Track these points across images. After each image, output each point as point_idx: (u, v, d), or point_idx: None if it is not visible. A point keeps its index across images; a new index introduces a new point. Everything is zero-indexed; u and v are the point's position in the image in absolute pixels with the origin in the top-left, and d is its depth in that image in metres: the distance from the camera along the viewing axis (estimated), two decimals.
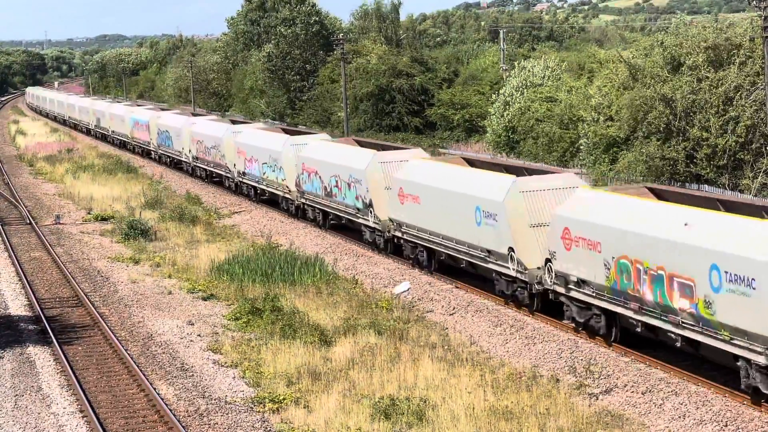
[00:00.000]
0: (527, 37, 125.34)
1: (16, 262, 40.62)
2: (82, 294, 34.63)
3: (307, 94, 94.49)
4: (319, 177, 44.44)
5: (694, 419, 22.03)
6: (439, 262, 36.04)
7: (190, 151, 66.66)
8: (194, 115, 75.58)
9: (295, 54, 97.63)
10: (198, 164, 65.56)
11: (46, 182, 69.32)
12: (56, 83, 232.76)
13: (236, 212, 53.09)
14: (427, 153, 43.31)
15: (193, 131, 65.54)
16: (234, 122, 65.19)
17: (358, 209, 40.61)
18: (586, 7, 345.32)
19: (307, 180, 46.04)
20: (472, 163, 37.17)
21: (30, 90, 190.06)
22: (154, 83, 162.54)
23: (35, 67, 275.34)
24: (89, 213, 53.19)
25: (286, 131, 55.29)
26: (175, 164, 72.97)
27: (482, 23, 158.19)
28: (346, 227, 44.44)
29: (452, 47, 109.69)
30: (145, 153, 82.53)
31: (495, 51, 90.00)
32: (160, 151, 76.21)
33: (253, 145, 53.38)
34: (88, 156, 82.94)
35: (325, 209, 44.91)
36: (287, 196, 49.00)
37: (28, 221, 51.30)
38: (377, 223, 39.28)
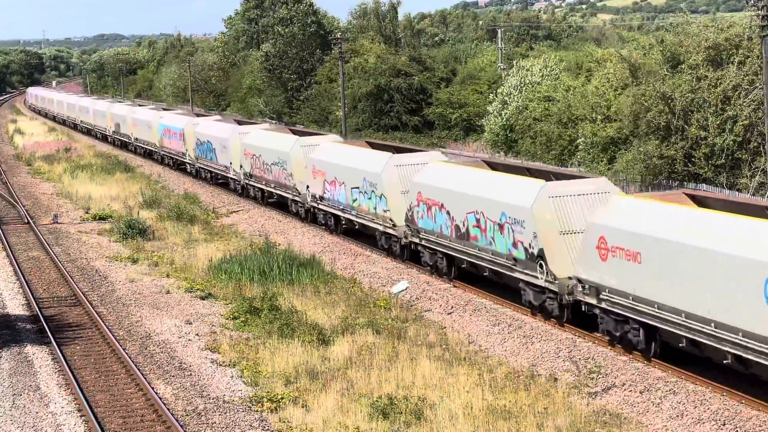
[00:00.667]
0: (525, 36, 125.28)
1: (14, 262, 40.61)
2: (80, 293, 34.62)
3: (305, 93, 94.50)
4: (447, 212, 33.82)
5: (692, 418, 22.04)
6: (662, 344, 25.37)
7: (241, 166, 55.59)
8: (239, 123, 63.40)
9: (292, 53, 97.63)
10: (252, 183, 54.33)
11: (44, 182, 69.31)
12: (54, 82, 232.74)
13: (234, 211, 53.06)
14: (612, 184, 30.63)
15: (246, 143, 54.50)
16: (295, 132, 53.96)
17: (516, 260, 29.90)
18: (584, 6, 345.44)
19: (425, 214, 35.38)
20: (701, 202, 26.42)
21: (32, 90, 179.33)
22: (152, 82, 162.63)
23: (33, 67, 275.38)
24: (87, 212, 53.18)
25: (372, 145, 44.95)
26: (216, 179, 62.96)
27: (480, 22, 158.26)
28: (486, 281, 33.26)
29: (450, 46, 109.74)
30: (177, 165, 71.91)
31: (493, 50, 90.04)
32: (199, 165, 65.20)
33: (338, 165, 42.66)
34: (86, 155, 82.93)
35: (456, 255, 33.80)
36: (390, 231, 38.36)
37: (26, 220, 51.28)
38: (551, 282, 28.40)
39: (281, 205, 51.48)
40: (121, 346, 28.01)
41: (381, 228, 38.98)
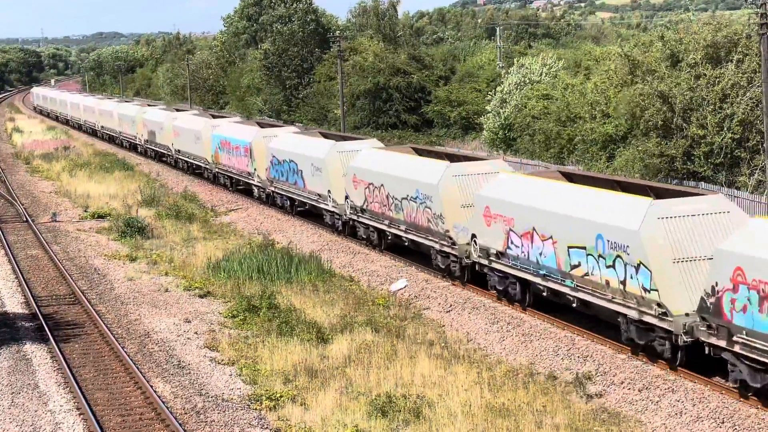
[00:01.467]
0: (524, 34, 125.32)
1: (13, 260, 40.60)
2: (79, 292, 34.61)
3: (303, 92, 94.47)
4: None
5: (691, 416, 22.05)
6: None
7: (346, 197, 42.22)
8: (326, 135, 50.64)
9: (292, 51, 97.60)
10: (365, 220, 40.96)
11: (43, 180, 69.27)
12: (53, 80, 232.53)
13: (233, 209, 53.04)
14: None
15: (355, 167, 41.41)
16: (420, 152, 41.16)
17: None
18: (582, 5, 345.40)
19: (752, 306, 21.64)
20: None
21: (37, 90, 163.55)
22: (150, 81, 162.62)
23: (32, 65, 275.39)
24: (86, 211, 53.16)
25: (568, 176, 32.27)
26: (298, 207, 49.63)
27: (479, 20, 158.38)
28: None
29: (449, 45, 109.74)
30: (235, 184, 59.02)
31: (492, 48, 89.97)
32: (274, 189, 51.18)
33: (537, 209, 29.40)
34: (85, 154, 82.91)
35: None
36: (651, 320, 24.85)
37: (25, 219, 51.26)
38: None
39: (405, 249, 39.15)
40: (119, 344, 28.01)
41: (633, 314, 25.43)
